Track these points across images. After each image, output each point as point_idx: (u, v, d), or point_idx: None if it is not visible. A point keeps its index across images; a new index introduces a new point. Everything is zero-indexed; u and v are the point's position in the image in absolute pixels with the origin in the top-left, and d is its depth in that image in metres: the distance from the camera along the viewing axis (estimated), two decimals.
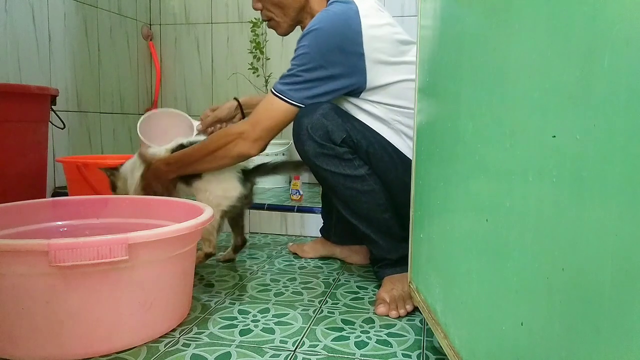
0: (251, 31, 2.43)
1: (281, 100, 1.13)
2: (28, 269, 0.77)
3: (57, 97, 1.67)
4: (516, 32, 0.51)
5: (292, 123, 1.16)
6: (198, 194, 1.30)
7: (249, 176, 1.33)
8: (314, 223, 1.76)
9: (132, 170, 1.37)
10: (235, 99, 1.49)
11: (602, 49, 0.36)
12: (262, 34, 2.46)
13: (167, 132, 1.47)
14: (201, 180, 1.29)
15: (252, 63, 2.43)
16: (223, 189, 1.29)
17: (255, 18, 2.43)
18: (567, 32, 0.41)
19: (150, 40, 2.64)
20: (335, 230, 1.46)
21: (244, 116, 1.49)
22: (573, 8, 0.40)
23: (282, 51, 2.48)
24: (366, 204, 1.15)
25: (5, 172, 1.49)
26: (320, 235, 1.53)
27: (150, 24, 2.65)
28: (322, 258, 1.49)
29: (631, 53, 0.33)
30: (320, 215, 1.61)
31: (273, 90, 1.15)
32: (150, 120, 1.51)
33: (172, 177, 1.29)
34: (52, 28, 2.00)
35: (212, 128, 1.47)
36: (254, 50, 2.42)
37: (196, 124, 1.50)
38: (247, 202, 1.35)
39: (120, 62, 2.46)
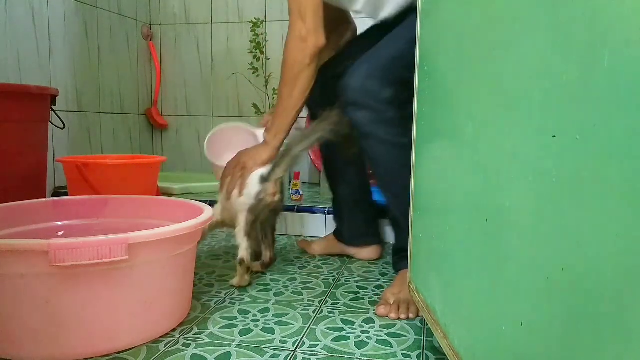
0: (251, 31, 2.43)
1: None
2: (28, 269, 0.77)
3: (57, 97, 1.66)
4: (516, 32, 0.51)
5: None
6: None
7: (267, 176, 1.22)
8: (314, 223, 1.76)
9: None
10: None
11: (602, 49, 0.36)
12: (262, 34, 2.46)
13: (233, 147, 1.32)
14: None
15: (252, 63, 2.43)
16: (247, 185, 1.22)
17: (255, 18, 2.43)
18: (567, 32, 0.41)
19: (150, 40, 2.64)
20: (346, 230, 1.48)
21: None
22: (573, 8, 0.40)
23: (282, 51, 2.47)
24: (402, 179, 1.08)
25: (5, 172, 1.48)
26: (325, 235, 1.54)
27: (150, 24, 2.65)
28: (324, 257, 1.50)
29: (631, 53, 0.33)
30: (320, 215, 1.62)
31: None
32: (214, 139, 1.36)
33: (278, 144, 1.20)
34: (52, 28, 2.00)
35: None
36: (254, 50, 2.42)
37: (261, 133, 1.32)
38: (273, 205, 1.23)
39: (120, 62, 2.45)
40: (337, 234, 1.52)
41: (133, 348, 0.87)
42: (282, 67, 1.16)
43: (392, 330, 0.98)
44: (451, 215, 0.72)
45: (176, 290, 0.95)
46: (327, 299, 1.14)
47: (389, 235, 1.70)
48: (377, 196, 1.54)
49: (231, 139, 1.37)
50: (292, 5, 1.12)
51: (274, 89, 2.45)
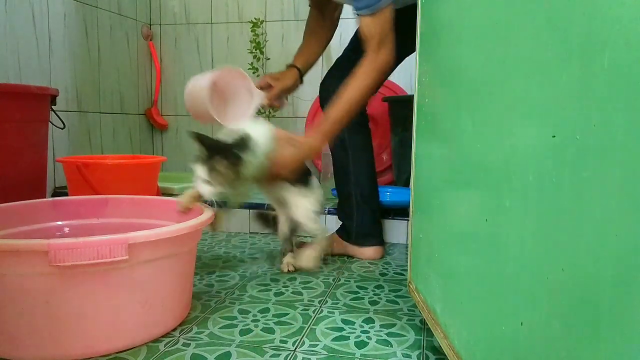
0: (251, 31, 2.43)
1: (384, 9, 1.14)
2: (28, 269, 0.77)
3: (57, 97, 1.66)
4: (516, 32, 0.51)
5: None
6: (296, 196, 1.30)
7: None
8: None
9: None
10: (292, 65, 1.43)
11: (602, 49, 0.36)
12: (262, 34, 2.46)
13: (227, 97, 1.31)
14: (306, 185, 1.31)
15: (252, 63, 2.43)
16: (319, 194, 1.34)
17: (255, 18, 2.43)
18: (567, 32, 0.41)
19: (150, 40, 2.64)
20: (355, 230, 1.49)
21: (302, 81, 1.45)
22: (573, 8, 0.40)
23: (282, 51, 2.47)
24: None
25: (5, 172, 1.48)
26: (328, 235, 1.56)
27: (150, 24, 2.65)
28: (324, 257, 1.50)
29: (631, 53, 0.33)
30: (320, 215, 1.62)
31: (367, 11, 1.15)
32: (215, 78, 1.24)
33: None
34: (52, 28, 2.00)
35: (279, 101, 1.41)
36: (254, 50, 2.42)
37: (257, 91, 1.32)
38: None
39: (120, 62, 2.45)
40: (343, 234, 1.53)
41: (133, 348, 0.87)
42: (360, 84, 1.20)
43: (392, 330, 0.98)
44: (451, 215, 0.72)
45: (176, 290, 0.95)
46: (327, 299, 1.14)
47: (389, 236, 1.70)
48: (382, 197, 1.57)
49: (226, 84, 1.31)
50: (369, 31, 1.17)
51: None
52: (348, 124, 1.24)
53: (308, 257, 1.32)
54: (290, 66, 1.44)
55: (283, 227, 1.37)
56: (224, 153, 1.06)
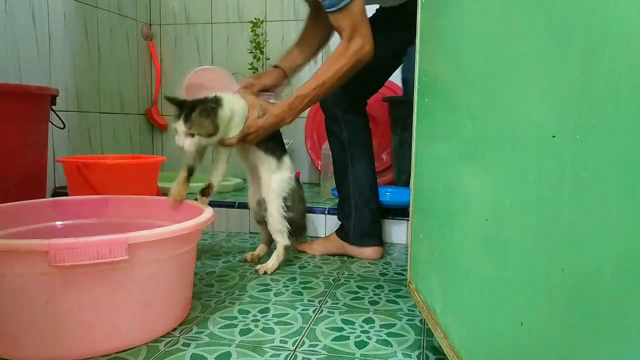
0: (251, 31, 2.43)
1: (350, 4, 1.20)
2: (28, 269, 0.77)
3: (57, 97, 1.66)
4: (516, 32, 0.51)
5: None
6: (267, 168, 1.34)
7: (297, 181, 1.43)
8: (314, 223, 1.76)
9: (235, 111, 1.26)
10: (276, 66, 1.49)
11: (602, 49, 0.36)
12: (262, 34, 2.46)
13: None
14: (277, 161, 1.35)
15: (252, 63, 2.43)
16: (288, 176, 1.36)
17: (255, 18, 2.43)
18: (567, 32, 0.41)
19: (150, 40, 2.64)
20: (353, 229, 1.50)
21: (289, 82, 1.50)
22: (573, 8, 0.40)
23: (282, 51, 2.47)
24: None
25: (5, 172, 1.48)
26: (326, 235, 1.56)
27: (150, 24, 2.65)
28: (324, 257, 1.50)
29: (631, 53, 0.33)
30: (320, 215, 1.62)
31: (333, 8, 1.21)
32: (195, 78, 1.42)
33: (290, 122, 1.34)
34: (52, 28, 2.00)
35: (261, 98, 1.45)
36: (254, 50, 2.42)
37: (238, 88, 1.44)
38: (297, 203, 1.41)
39: (120, 62, 2.45)
40: (341, 233, 1.53)
41: (133, 348, 0.87)
42: (335, 65, 1.26)
43: (392, 330, 0.98)
44: (451, 215, 0.72)
45: (176, 290, 0.95)
46: (327, 299, 1.14)
47: (389, 236, 1.70)
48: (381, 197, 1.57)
49: (209, 81, 1.43)
50: (343, 23, 1.23)
51: None
52: (314, 101, 1.32)
53: (266, 264, 1.35)
54: (275, 67, 1.49)
55: (252, 199, 1.43)
56: (197, 104, 1.15)
